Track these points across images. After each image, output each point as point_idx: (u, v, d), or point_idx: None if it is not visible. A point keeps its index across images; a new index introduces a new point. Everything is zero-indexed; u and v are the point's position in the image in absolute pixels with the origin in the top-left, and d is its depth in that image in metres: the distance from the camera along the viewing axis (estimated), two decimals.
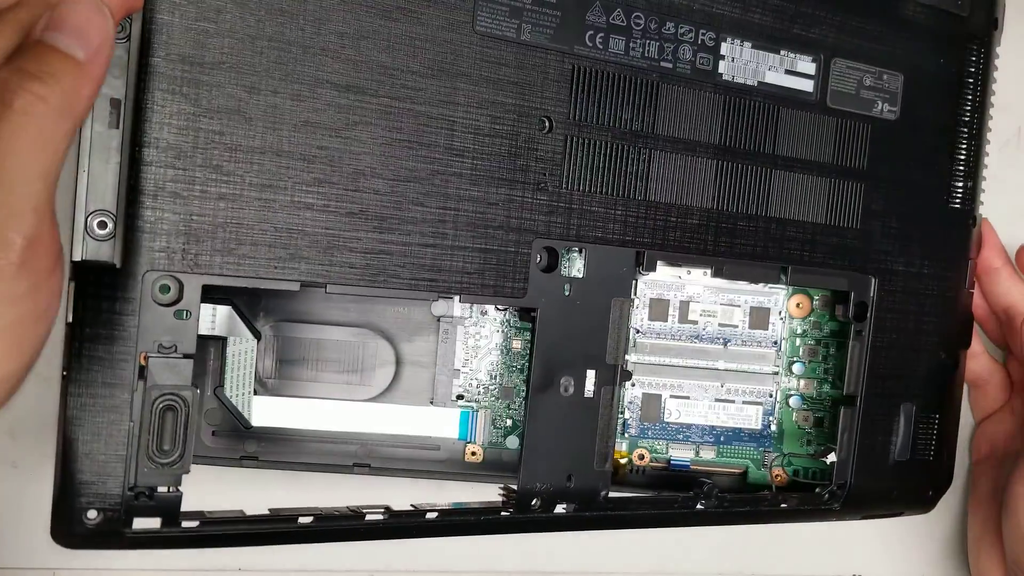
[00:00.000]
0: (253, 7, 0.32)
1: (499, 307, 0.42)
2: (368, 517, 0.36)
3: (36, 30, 0.27)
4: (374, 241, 0.34)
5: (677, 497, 0.41)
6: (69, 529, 0.31)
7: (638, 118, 0.38)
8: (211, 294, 0.36)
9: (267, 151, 0.32)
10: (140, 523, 0.32)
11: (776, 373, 0.47)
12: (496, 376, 0.43)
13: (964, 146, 0.46)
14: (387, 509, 0.37)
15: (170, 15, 0.31)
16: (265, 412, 0.40)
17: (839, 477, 0.44)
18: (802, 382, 0.48)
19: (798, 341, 0.47)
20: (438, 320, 0.42)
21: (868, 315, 0.44)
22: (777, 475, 0.48)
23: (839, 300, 0.45)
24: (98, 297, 0.31)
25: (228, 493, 0.39)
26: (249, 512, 0.35)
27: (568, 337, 0.38)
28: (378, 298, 0.40)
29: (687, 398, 0.46)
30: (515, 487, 0.38)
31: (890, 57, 0.43)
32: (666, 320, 0.45)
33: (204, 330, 0.36)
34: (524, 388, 0.43)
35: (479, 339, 0.43)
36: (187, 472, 0.32)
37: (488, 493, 0.41)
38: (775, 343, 0.47)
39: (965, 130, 0.46)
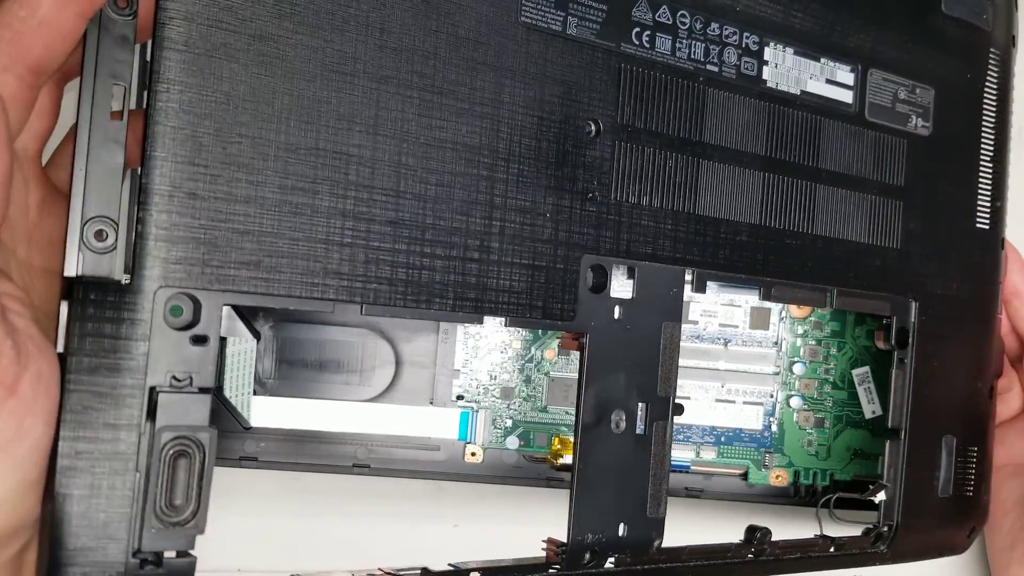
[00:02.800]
0: None
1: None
2: None
3: None
4: (416, 255, 0.30)
5: (730, 546, 0.37)
6: None
7: (686, 125, 0.35)
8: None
9: (299, 148, 0.28)
10: None
11: (777, 373, 0.46)
12: (496, 376, 0.43)
13: (992, 165, 0.44)
14: (425, 571, 0.31)
15: None
16: (265, 412, 0.39)
17: (886, 517, 0.41)
18: (803, 382, 0.47)
19: (799, 341, 0.47)
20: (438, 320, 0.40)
21: (910, 341, 0.41)
22: (777, 476, 0.46)
23: (880, 327, 0.42)
24: (99, 320, 0.25)
25: (228, 494, 0.37)
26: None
27: (618, 366, 0.34)
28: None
29: (687, 398, 0.45)
30: (563, 540, 0.34)
31: (922, 70, 0.41)
32: None
33: None
34: (524, 388, 0.43)
35: (479, 339, 0.42)
36: (202, 532, 0.27)
37: (488, 493, 0.40)
38: (776, 343, 0.46)
39: (991, 148, 0.44)
